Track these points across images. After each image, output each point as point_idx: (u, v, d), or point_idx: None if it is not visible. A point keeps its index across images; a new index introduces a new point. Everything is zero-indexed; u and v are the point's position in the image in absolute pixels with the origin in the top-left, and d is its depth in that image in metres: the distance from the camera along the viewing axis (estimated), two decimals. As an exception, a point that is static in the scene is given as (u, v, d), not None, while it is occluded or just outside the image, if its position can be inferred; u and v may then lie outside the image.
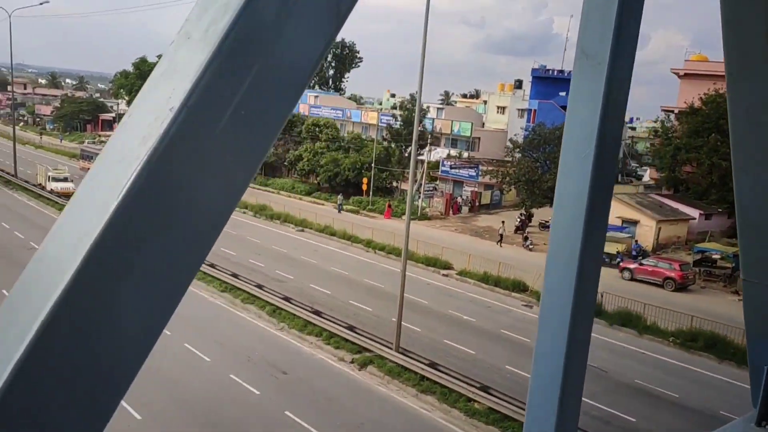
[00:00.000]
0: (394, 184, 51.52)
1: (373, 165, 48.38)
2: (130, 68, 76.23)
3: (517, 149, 43.30)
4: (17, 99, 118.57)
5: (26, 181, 48.29)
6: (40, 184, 46.30)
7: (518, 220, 41.04)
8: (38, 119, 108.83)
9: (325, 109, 70.58)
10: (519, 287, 28.77)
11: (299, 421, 15.47)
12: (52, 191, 43.11)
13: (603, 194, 1.47)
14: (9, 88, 71.74)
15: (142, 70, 74.46)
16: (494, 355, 20.45)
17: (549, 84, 56.20)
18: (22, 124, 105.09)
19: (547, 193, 38.09)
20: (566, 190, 1.48)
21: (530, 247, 37.13)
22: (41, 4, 39.57)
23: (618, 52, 1.39)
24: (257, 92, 0.78)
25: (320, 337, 20.88)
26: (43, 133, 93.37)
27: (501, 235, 37.61)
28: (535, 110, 53.67)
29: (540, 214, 41.84)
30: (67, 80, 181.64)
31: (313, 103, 74.80)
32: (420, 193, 47.57)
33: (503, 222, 38.81)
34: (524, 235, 38.62)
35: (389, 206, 46.60)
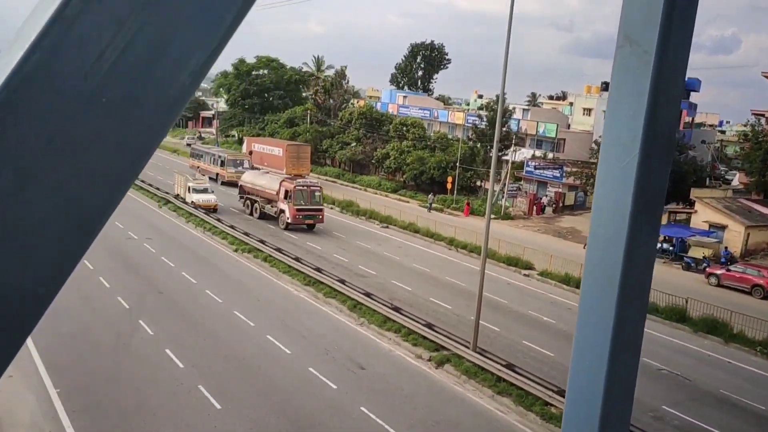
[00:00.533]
0: (479, 183, 50.85)
1: (458, 164, 47.94)
2: (230, 69, 79.34)
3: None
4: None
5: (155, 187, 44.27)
6: (177, 195, 42.01)
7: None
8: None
9: (413, 109, 70.82)
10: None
11: (374, 417, 15.49)
12: (193, 204, 38.75)
13: (650, 207, 1.24)
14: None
15: (240, 70, 77.40)
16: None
17: (639, 84, 53.91)
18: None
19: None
20: (605, 202, 1.27)
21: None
22: None
23: (669, 37, 1.14)
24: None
25: (399, 334, 20.86)
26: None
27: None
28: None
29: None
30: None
31: (401, 103, 75.29)
32: (503, 192, 46.75)
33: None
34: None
35: (468, 204, 46.25)
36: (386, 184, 53.67)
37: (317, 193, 35.87)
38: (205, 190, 39.96)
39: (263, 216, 37.84)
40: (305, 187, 35.53)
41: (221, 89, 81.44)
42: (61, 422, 13.91)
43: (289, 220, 35.08)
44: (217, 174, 51.44)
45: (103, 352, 17.70)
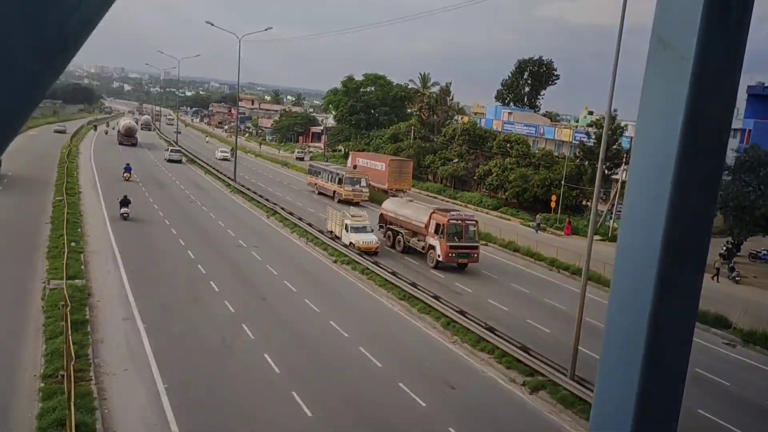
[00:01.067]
0: (584, 202, 48.87)
1: (562, 182, 46.36)
2: (339, 86, 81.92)
3: (726, 171, 38.48)
4: (245, 113, 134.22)
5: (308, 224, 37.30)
6: (331, 232, 35.49)
7: (723, 248, 36.37)
8: (260, 131, 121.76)
9: (518, 126, 69.42)
10: (720, 323, 25.44)
11: (462, 438, 15.14)
12: (352, 245, 32.46)
13: (690, 245, 1.00)
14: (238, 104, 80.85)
15: (349, 87, 79.67)
16: (686, 395, 18.16)
17: (768, 103, 49.66)
18: (247, 135, 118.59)
19: (760, 221, 33.37)
20: (630, 242, 1.05)
21: (737, 279, 32.72)
22: (266, 30, 44.16)
23: (711, 41, 0.90)
24: None
25: (492, 355, 20.27)
26: (263, 143, 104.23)
27: (717, 270, 33.03)
28: (749, 130, 47.52)
29: (751, 243, 36.76)
30: (288, 96, 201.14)
31: (506, 119, 74.05)
32: (611, 213, 44.59)
33: (721, 255, 34.51)
34: (730, 265, 34.15)
35: (569, 223, 44.51)
36: (487, 201, 52.86)
37: (472, 228, 31.31)
38: (364, 229, 33.57)
39: (407, 250, 33.54)
40: (459, 221, 31.28)
41: (330, 105, 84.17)
42: (166, 416, 14.67)
43: (440, 258, 30.68)
44: (334, 192, 49.50)
45: (209, 352, 18.50)
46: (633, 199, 1.00)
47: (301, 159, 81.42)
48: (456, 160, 58.35)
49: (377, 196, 47.53)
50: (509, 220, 48.04)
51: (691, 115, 0.93)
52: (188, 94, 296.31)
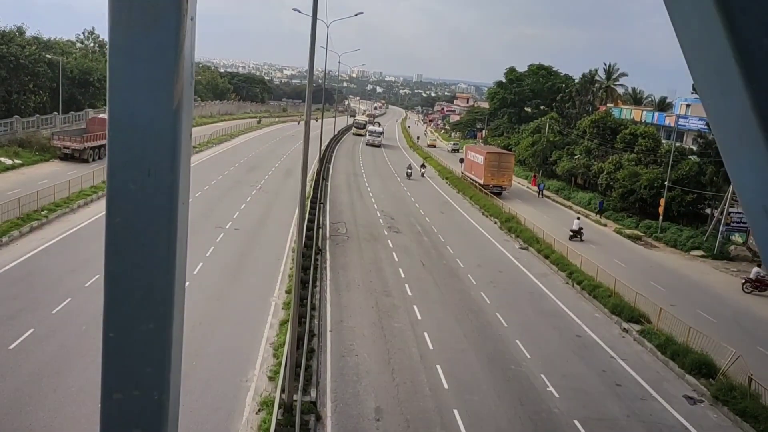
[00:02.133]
0: (707, 210, 39.07)
1: (666, 183, 37.77)
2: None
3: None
4: (455, 111, 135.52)
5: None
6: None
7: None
8: (447, 126, 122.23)
9: (693, 120, 58.13)
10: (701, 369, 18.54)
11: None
12: None
13: None
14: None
15: (510, 78, 75.31)
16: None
17: None
18: (442, 131, 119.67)
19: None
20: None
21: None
22: (356, 15, 43.71)
23: None
24: None
25: None
26: (448, 139, 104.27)
27: None
28: None
29: None
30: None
31: (683, 113, 62.46)
32: (727, 223, 35.03)
33: None
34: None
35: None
36: (596, 202, 45.50)
37: None
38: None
39: None
40: None
41: (494, 98, 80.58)
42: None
43: None
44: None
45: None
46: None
47: (456, 151, 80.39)
48: (578, 155, 51.27)
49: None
50: (605, 225, 40.78)
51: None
52: (432, 95, 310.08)
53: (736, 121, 0.70)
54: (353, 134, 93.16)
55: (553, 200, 49.54)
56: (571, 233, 34.93)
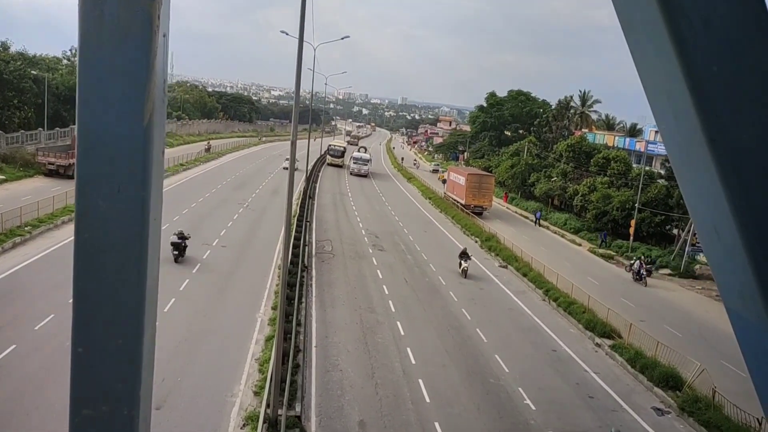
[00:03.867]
0: (674, 231, 39.75)
1: (637, 205, 38.44)
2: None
3: None
4: (438, 133, 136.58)
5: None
6: None
7: None
8: (431, 148, 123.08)
9: (660, 145, 59.27)
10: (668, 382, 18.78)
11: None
12: None
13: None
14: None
15: (491, 103, 76.22)
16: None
17: None
18: (426, 153, 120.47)
19: None
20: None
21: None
22: (342, 39, 44.12)
23: None
24: None
25: None
26: (431, 160, 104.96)
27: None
28: None
29: None
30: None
31: (652, 139, 63.74)
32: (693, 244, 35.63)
33: None
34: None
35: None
36: (573, 223, 46.08)
37: None
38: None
39: None
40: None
41: (475, 122, 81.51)
42: None
43: None
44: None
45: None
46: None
47: (436, 171, 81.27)
48: (555, 178, 51.97)
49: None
50: (579, 245, 41.27)
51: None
52: (416, 117, 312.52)
53: (688, 144, 0.72)
54: (328, 164, 71.03)
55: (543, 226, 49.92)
56: (635, 276, 32.79)
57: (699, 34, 0.69)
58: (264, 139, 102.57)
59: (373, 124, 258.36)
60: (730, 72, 0.69)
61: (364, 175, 64.87)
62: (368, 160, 67.03)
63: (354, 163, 66.74)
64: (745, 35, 0.69)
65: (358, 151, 72.63)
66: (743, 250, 0.71)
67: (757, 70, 0.69)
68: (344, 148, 75.40)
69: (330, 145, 75.40)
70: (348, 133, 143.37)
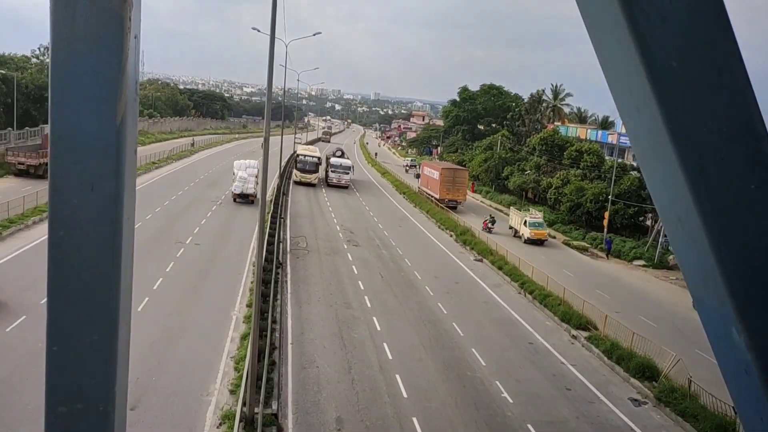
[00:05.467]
0: (648, 222, 40.54)
1: (610, 197, 39.07)
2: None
3: None
4: (411, 128, 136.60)
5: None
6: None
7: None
8: (404, 143, 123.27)
9: (633, 137, 60.40)
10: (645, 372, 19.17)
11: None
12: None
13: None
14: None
15: (463, 97, 76.59)
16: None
17: None
18: (399, 147, 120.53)
19: None
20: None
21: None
22: (314, 35, 43.84)
23: None
24: None
25: None
26: (405, 155, 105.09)
27: None
28: None
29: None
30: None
31: (624, 131, 64.96)
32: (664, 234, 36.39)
33: None
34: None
35: (608, 243, 37.00)
36: (547, 215, 46.60)
37: None
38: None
39: None
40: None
41: (448, 116, 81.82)
42: None
43: None
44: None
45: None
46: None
47: (414, 167, 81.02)
48: (528, 171, 52.54)
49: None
50: (554, 237, 41.80)
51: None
52: (389, 112, 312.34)
53: (650, 135, 0.75)
54: (295, 182, 52.31)
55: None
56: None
57: (657, 30, 0.72)
58: (227, 137, 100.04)
59: (349, 120, 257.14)
60: (689, 66, 0.73)
61: (345, 187, 52.67)
62: (349, 168, 53.82)
63: (332, 171, 53.23)
64: (703, 30, 0.72)
65: (335, 155, 57.34)
66: (705, 238, 0.74)
67: (714, 65, 0.72)
68: (318, 158, 54.18)
69: (298, 155, 54.49)
70: (324, 131, 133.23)
